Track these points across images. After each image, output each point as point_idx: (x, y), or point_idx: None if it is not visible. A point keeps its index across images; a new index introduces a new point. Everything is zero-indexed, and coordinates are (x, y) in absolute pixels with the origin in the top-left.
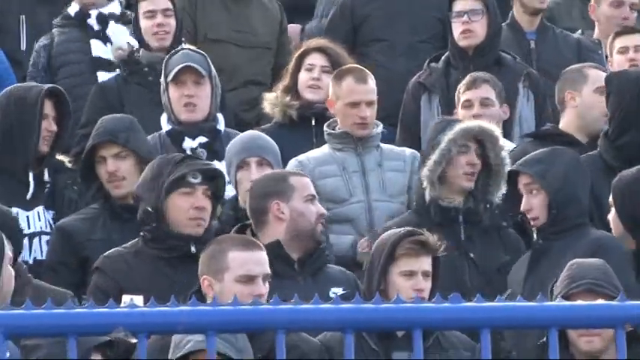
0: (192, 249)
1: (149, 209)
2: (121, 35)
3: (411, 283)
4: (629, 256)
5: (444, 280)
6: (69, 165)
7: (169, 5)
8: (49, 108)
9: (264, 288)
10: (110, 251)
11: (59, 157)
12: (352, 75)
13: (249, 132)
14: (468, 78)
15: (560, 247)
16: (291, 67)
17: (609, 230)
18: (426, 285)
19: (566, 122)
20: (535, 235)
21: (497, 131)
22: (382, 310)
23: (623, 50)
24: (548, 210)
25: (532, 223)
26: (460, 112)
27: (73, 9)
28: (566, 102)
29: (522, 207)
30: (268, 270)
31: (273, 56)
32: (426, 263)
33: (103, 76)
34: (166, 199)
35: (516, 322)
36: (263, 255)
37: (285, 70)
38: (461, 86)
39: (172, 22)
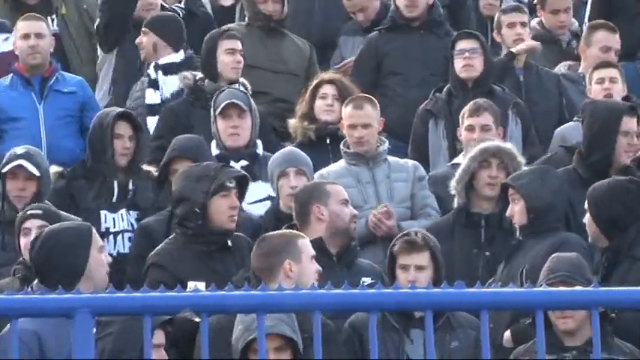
0: (229, 242)
1: (196, 209)
2: (170, 86)
3: (405, 275)
4: (588, 251)
5: (460, 272)
6: (155, 174)
7: (241, 46)
8: (123, 129)
9: None
10: (158, 248)
11: (146, 167)
12: (352, 102)
13: (288, 148)
14: (471, 105)
15: (532, 244)
16: (307, 97)
17: (583, 231)
18: (420, 276)
19: None
20: (517, 233)
21: (514, 149)
22: (399, 294)
23: (600, 81)
24: (527, 215)
25: (515, 225)
26: (463, 133)
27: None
28: None
29: (507, 213)
30: None
31: (302, 82)
32: (417, 259)
33: (151, 121)
34: (210, 200)
35: (509, 304)
36: None
37: (301, 99)
38: (465, 111)
39: (239, 57)
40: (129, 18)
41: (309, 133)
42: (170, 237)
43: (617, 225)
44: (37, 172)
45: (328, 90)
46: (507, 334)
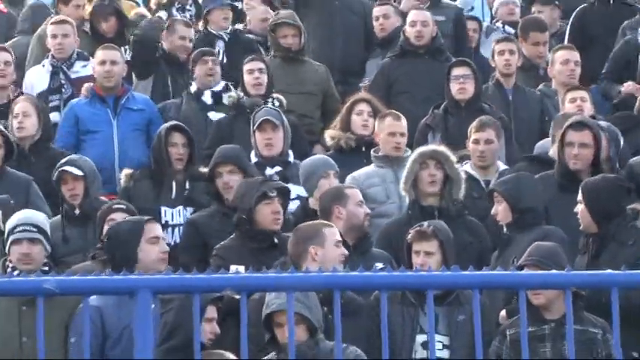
0: (275, 240)
1: (243, 216)
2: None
3: (417, 259)
4: (567, 241)
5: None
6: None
7: (263, 66)
8: (177, 138)
9: None
10: (221, 244)
11: (203, 169)
12: (391, 115)
13: (322, 156)
14: (477, 122)
15: (521, 237)
16: (344, 112)
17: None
18: (429, 260)
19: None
20: (505, 229)
21: (447, 151)
22: (404, 276)
23: (573, 100)
24: (512, 214)
25: (500, 222)
26: (470, 146)
27: (192, 88)
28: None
29: (492, 211)
30: None
31: (320, 99)
32: (426, 246)
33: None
34: (255, 208)
35: (496, 285)
36: None
37: (337, 113)
38: (472, 127)
39: (265, 77)
40: (153, 55)
41: (351, 142)
42: (231, 236)
43: (607, 215)
44: (80, 173)
45: (363, 107)
46: (503, 312)
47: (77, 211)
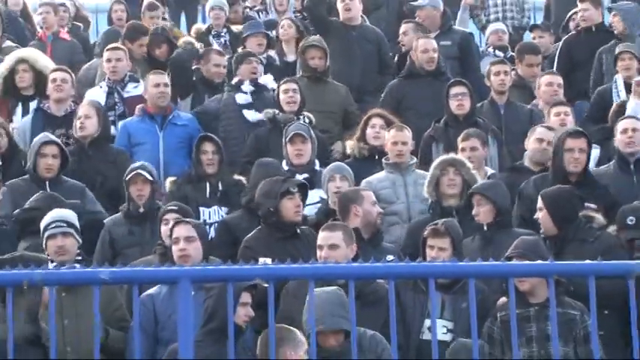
0: (297, 231)
1: (270, 209)
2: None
3: (430, 253)
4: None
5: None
6: (243, 182)
7: (297, 87)
8: (207, 147)
9: None
10: (248, 236)
11: (237, 177)
12: (395, 127)
13: (336, 162)
14: (463, 134)
15: (502, 238)
16: (361, 126)
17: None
18: (441, 254)
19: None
20: (485, 227)
21: (464, 159)
22: (410, 266)
23: (557, 114)
24: (494, 214)
25: (480, 222)
26: (460, 153)
27: (234, 80)
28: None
29: (473, 212)
30: None
31: (340, 117)
32: (439, 242)
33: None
34: (280, 202)
35: (489, 274)
36: None
37: (355, 126)
38: (459, 138)
39: (298, 96)
40: (189, 78)
41: (364, 151)
42: (258, 228)
43: (565, 219)
44: (150, 177)
45: (376, 121)
46: (503, 299)
47: (141, 210)
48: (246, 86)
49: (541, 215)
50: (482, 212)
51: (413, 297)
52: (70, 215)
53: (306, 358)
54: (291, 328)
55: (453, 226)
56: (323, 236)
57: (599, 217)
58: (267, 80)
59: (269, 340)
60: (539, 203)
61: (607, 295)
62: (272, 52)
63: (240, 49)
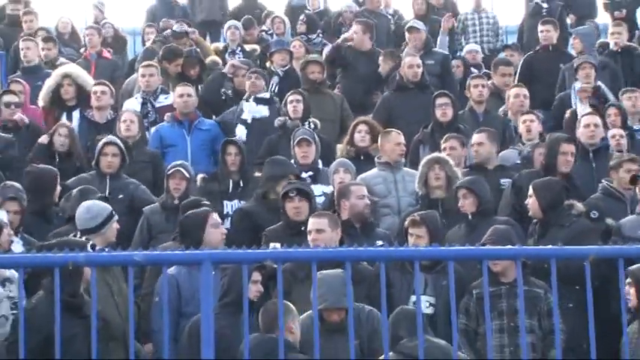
0: (302, 228)
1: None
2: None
3: (410, 240)
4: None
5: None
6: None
7: (301, 97)
8: (230, 149)
9: None
10: (268, 229)
11: (257, 174)
12: (395, 132)
13: (342, 159)
14: (445, 137)
15: (485, 226)
16: (350, 131)
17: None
18: (419, 241)
19: None
20: (470, 216)
21: (448, 158)
22: (397, 251)
23: (524, 122)
24: (477, 206)
25: (466, 212)
26: (443, 152)
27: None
28: None
29: (459, 204)
30: None
31: (338, 123)
32: (417, 231)
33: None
34: (283, 203)
35: (466, 257)
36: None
37: (346, 131)
38: (442, 141)
39: (301, 106)
40: (219, 100)
41: (351, 153)
42: (279, 223)
43: (551, 205)
44: (187, 175)
45: (362, 127)
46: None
47: (176, 202)
48: (251, 102)
49: (530, 201)
50: (467, 203)
51: (400, 276)
52: (103, 205)
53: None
54: (288, 302)
55: (429, 216)
56: (312, 222)
57: (579, 206)
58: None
59: (278, 312)
60: (530, 191)
61: (578, 273)
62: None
63: (267, 64)
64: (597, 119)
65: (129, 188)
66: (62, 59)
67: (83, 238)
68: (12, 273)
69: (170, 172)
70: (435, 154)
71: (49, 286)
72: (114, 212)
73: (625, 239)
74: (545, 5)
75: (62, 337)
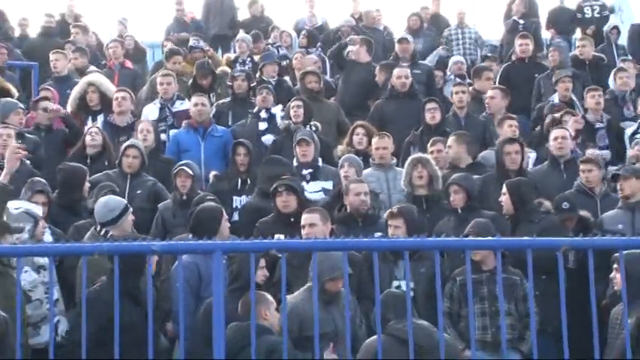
0: (292, 219)
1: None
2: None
3: (390, 230)
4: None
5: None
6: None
7: (301, 103)
8: (240, 150)
9: None
10: (260, 221)
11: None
12: (379, 136)
13: (349, 154)
14: (431, 141)
15: (473, 218)
16: (349, 134)
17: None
18: (397, 231)
19: None
20: (459, 210)
21: (429, 157)
22: (388, 241)
23: (509, 126)
24: (466, 200)
25: (456, 206)
26: (430, 154)
27: (255, 109)
28: None
29: (451, 199)
30: None
31: (334, 127)
32: (395, 222)
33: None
34: (274, 198)
35: (450, 247)
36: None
37: (345, 134)
38: (429, 144)
39: (302, 110)
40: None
41: (351, 153)
42: (271, 215)
43: (522, 202)
44: (191, 172)
45: (360, 131)
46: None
47: (184, 197)
48: (264, 114)
49: (504, 199)
50: (458, 198)
51: (381, 264)
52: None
53: (277, 314)
54: (262, 292)
55: (406, 209)
56: (305, 217)
57: (547, 203)
58: (277, 110)
59: (281, 294)
60: (504, 189)
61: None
62: (287, 78)
63: (257, 74)
64: (566, 132)
65: (147, 185)
66: (92, 67)
67: (103, 231)
68: (45, 260)
69: (176, 171)
70: (418, 155)
71: (112, 275)
72: (129, 205)
73: (605, 232)
74: (521, 22)
75: (123, 323)
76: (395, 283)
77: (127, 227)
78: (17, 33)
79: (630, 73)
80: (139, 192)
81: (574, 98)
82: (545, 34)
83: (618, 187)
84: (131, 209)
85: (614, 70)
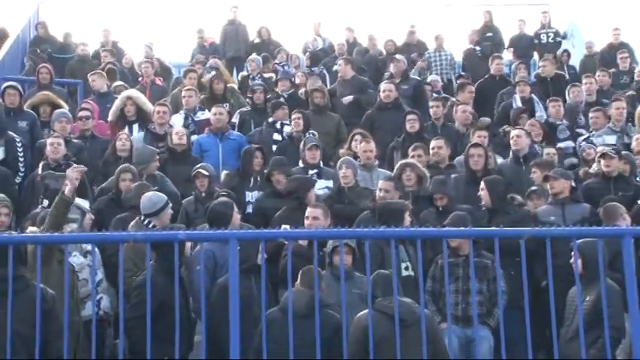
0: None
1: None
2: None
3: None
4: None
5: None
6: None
7: (301, 115)
8: (258, 154)
9: None
10: (277, 214)
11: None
12: (364, 140)
13: (346, 157)
14: (412, 146)
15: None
16: (349, 140)
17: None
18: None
19: None
20: (440, 208)
21: (416, 162)
22: (378, 231)
23: (479, 136)
24: (447, 201)
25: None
26: (411, 159)
27: (270, 119)
28: None
29: (438, 203)
30: None
31: (335, 136)
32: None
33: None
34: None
35: (431, 236)
36: None
37: (344, 142)
38: (411, 149)
39: (301, 121)
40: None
41: (350, 156)
42: (283, 208)
43: (498, 197)
44: (207, 173)
45: (358, 137)
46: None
47: (203, 194)
48: (278, 125)
49: (483, 194)
50: (440, 200)
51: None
52: (161, 195)
53: None
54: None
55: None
56: (309, 211)
57: (519, 198)
58: (287, 129)
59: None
60: (482, 185)
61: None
62: (301, 92)
63: (275, 88)
64: (521, 132)
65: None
66: (119, 82)
67: (146, 220)
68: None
69: (194, 173)
70: (407, 160)
71: (159, 260)
72: (169, 202)
73: (538, 223)
74: (477, 48)
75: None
76: (403, 265)
77: (166, 219)
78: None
79: (581, 89)
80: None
81: (535, 98)
82: (507, 56)
83: (548, 186)
84: (170, 204)
85: (569, 86)
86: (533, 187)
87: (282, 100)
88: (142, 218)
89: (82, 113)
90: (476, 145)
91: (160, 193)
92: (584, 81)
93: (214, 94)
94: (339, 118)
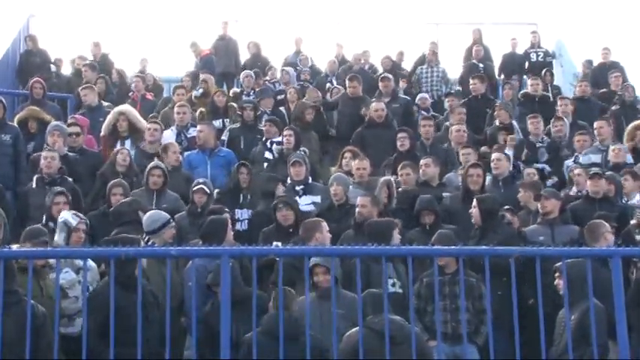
0: (290, 230)
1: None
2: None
3: None
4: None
5: None
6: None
7: (292, 132)
8: (243, 170)
9: None
10: (264, 229)
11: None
12: (359, 157)
13: (338, 173)
14: (401, 165)
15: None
16: (339, 157)
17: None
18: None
19: None
20: (427, 227)
21: (392, 180)
22: (370, 249)
23: (465, 154)
24: (434, 218)
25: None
26: (400, 177)
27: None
28: None
29: (426, 220)
30: None
31: (318, 153)
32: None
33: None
34: (275, 213)
35: (420, 254)
36: None
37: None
38: (399, 167)
39: (293, 139)
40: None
41: (341, 173)
42: (272, 225)
43: (489, 215)
44: (208, 190)
45: (348, 155)
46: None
47: (199, 210)
48: (268, 144)
49: (474, 211)
50: (428, 218)
51: (375, 265)
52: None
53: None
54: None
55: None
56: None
57: (508, 216)
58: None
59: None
60: (474, 203)
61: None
62: (282, 108)
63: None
64: (501, 155)
65: (171, 200)
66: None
67: (146, 238)
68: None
69: (195, 188)
70: (386, 178)
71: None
72: (171, 220)
73: (527, 243)
74: (481, 65)
75: (120, 309)
76: (390, 281)
77: (167, 237)
78: (53, 68)
79: (565, 122)
80: (164, 206)
81: (514, 123)
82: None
83: (539, 206)
84: (173, 223)
85: (552, 119)
86: (507, 207)
87: (266, 117)
88: (144, 236)
89: (71, 129)
90: (475, 165)
91: (161, 212)
92: (558, 103)
93: (216, 107)
94: (316, 136)
